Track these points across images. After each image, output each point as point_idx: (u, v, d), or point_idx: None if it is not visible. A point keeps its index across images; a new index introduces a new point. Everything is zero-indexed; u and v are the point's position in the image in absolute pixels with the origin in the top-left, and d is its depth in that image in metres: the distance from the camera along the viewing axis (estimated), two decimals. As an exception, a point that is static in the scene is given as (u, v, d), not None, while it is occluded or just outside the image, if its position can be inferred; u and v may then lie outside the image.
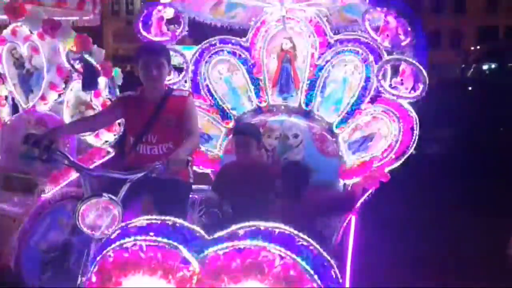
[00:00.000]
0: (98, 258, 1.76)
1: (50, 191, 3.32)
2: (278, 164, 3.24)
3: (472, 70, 14.51)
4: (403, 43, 2.72)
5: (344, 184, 3.16)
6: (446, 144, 8.10)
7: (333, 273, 1.73)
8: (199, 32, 3.79)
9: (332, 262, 1.75)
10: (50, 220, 3.34)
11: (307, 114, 3.30)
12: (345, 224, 2.76)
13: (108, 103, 3.39)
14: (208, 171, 3.40)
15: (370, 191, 2.80)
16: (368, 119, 3.11)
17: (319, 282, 1.62)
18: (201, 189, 3.18)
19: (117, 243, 1.75)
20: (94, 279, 1.75)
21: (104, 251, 1.75)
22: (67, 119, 3.58)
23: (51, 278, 3.36)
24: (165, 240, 1.71)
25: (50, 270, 3.35)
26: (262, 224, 1.74)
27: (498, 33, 29.45)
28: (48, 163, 2.23)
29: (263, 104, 3.40)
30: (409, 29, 2.61)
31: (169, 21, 3.10)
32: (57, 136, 2.32)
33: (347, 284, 2.64)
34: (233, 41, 3.39)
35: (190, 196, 2.91)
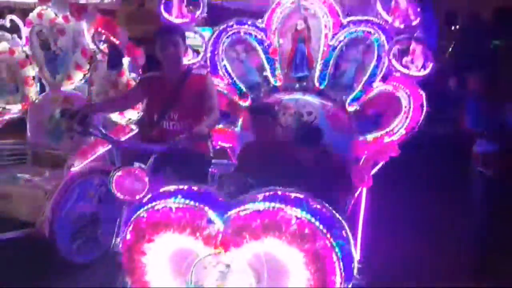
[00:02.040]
0: (132, 219, 1.96)
1: (78, 166, 3.51)
2: (293, 140, 3.39)
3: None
4: (413, 23, 2.82)
5: (356, 159, 3.30)
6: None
7: (344, 233, 1.91)
8: (212, 13, 3.90)
9: (344, 223, 1.93)
10: (79, 192, 3.55)
11: (320, 92, 3.43)
12: (356, 195, 2.92)
13: (132, 82, 3.57)
14: (226, 145, 3.56)
15: (381, 164, 2.94)
16: (379, 97, 3.23)
17: (331, 239, 1.80)
18: (220, 163, 3.36)
19: (149, 205, 1.95)
20: (129, 236, 1.96)
21: (138, 212, 1.96)
22: (92, 98, 3.77)
23: (80, 246, 3.59)
24: (192, 202, 1.90)
25: (79, 239, 3.58)
26: (279, 189, 1.92)
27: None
28: (83, 135, 2.40)
29: (279, 83, 3.53)
30: (419, 9, 2.71)
31: (190, 3, 3.23)
32: (90, 112, 2.50)
33: (357, 256, 2.80)
34: (249, 22, 3.50)
35: (210, 169, 3.10)
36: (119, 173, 2.18)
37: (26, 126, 4.13)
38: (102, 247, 3.65)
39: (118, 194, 2.18)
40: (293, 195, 1.89)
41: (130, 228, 1.94)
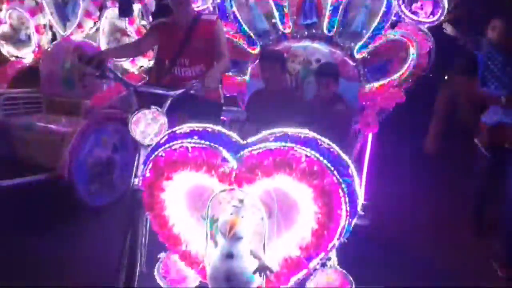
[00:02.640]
0: (151, 158, 2.08)
1: (93, 112, 3.61)
2: (301, 87, 3.47)
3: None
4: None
5: (363, 106, 3.38)
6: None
7: (350, 171, 2.02)
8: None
9: (350, 162, 2.04)
10: (95, 138, 3.69)
11: (329, 40, 3.45)
12: (362, 140, 3.02)
13: (142, 29, 3.59)
14: (235, 94, 3.64)
15: (388, 110, 3.02)
16: (388, 44, 3.25)
17: (338, 176, 1.90)
18: (230, 110, 3.44)
19: (167, 145, 2.05)
20: (148, 174, 2.08)
21: (156, 152, 2.07)
22: (103, 45, 3.81)
23: (97, 189, 3.78)
24: (207, 142, 2.00)
25: (96, 182, 3.76)
26: (289, 130, 2.02)
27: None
28: (101, 78, 2.48)
29: (287, 31, 3.54)
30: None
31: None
32: (106, 56, 2.57)
33: (362, 196, 2.95)
34: (259, -32, 3.48)
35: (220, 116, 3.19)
36: (138, 116, 2.28)
37: (40, 74, 4.21)
38: (117, 191, 3.84)
39: (137, 137, 2.29)
40: (303, 135, 1.99)
41: (150, 167, 2.05)
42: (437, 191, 4.12)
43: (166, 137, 2.13)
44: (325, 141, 2.00)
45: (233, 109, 3.51)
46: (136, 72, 3.82)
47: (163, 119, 2.29)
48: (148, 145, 2.29)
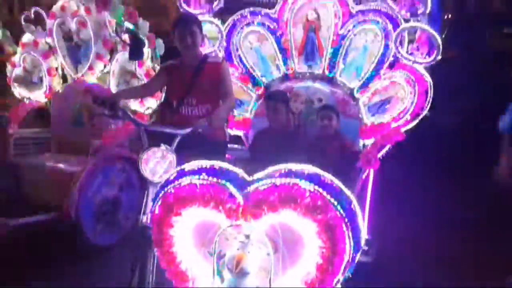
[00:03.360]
0: (160, 195, 2.15)
1: (101, 151, 3.70)
2: (304, 126, 3.57)
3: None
4: (419, 12, 2.96)
5: (364, 143, 3.46)
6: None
7: (353, 206, 2.08)
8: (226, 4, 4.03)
9: (352, 197, 2.10)
10: (102, 177, 3.74)
11: (330, 80, 3.58)
12: (363, 177, 3.08)
13: (151, 72, 3.74)
14: (240, 133, 3.74)
15: (387, 147, 3.10)
16: (386, 83, 3.36)
17: (341, 211, 1.97)
18: (235, 149, 3.54)
19: (176, 182, 2.13)
20: (158, 211, 2.14)
21: (166, 188, 2.13)
22: (113, 87, 3.94)
23: (103, 228, 3.81)
24: (215, 179, 2.07)
25: (102, 222, 3.79)
26: (294, 166, 2.10)
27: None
28: (114, 119, 2.59)
29: (290, 72, 3.68)
30: (425, -1, 2.85)
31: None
32: (118, 98, 2.69)
33: (365, 231, 2.98)
34: (262, 13, 3.66)
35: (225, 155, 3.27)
36: (148, 154, 2.37)
37: (50, 115, 4.34)
38: (121, 231, 3.87)
39: (146, 174, 2.36)
40: (306, 171, 2.06)
41: (159, 203, 2.12)
42: (441, 226, 4.13)
43: (175, 174, 2.20)
44: (328, 177, 2.07)
45: (237, 148, 3.60)
46: (144, 113, 3.94)
47: (172, 157, 2.38)
48: (157, 183, 2.36)
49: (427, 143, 5.07)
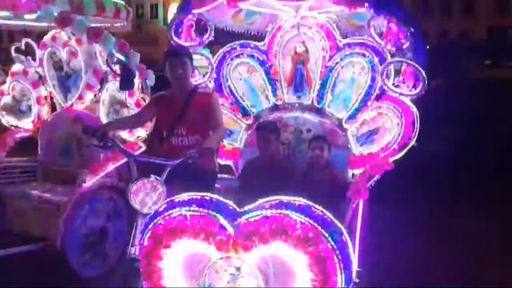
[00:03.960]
0: (150, 226, 2.13)
1: (89, 181, 3.66)
2: (293, 156, 3.60)
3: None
4: (404, 46, 3.06)
5: (353, 173, 3.49)
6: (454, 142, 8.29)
7: (343, 238, 2.09)
8: (217, 36, 4.13)
9: (343, 229, 2.11)
10: (89, 207, 3.68)
11: (319, 111, 3.62)
12: (353, 207, 3.09)
13: (141, 102, 3.76)
14: (230, 162, 3.75)
15: (375, 177, 3.13)
16: (374, 114, 3.43)
17: (332, 243, 1.97)
18: (224, 178, 3.55)
19: (165, 214, 2.12)
20: (147, 243, 2.12)
21: (155, 220, 2.13)
22: (102, 116, 3.94)
23: (90, 259, 3.72)
24: (205, 210, 2.07)
25: (88, 253, 3.70)
26: (284, 198, 2.11)
27: (507, 33, 29.37)
28: (104, 149, 2.59)
29: (279, 102, 3.73)
30: (409, 34, 2.95)
31: (197, 28, 3.46)
32: (108, 129, 2.70)
33: (356, 262, 2.97)
34: (251, 45, 3.74)
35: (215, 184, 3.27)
36: (137, 185, 2.36)
37: (38, 144, 4.29)
38: (109, 261, 3.79)
39: (135, 205, 2.35)
40: (297, 202, 2.08)
41: (148, 235, 2.11)
42: (433, 257, 4.14)
43: (165, 205, 2.20)
44: (318, 208, 2.09)
45: (227, 177, 3.61)
46: (133, 142, 3.93)
47: (162, 188, 2.37)
48: (147, 214, 2.35)
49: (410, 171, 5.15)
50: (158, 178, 2.38)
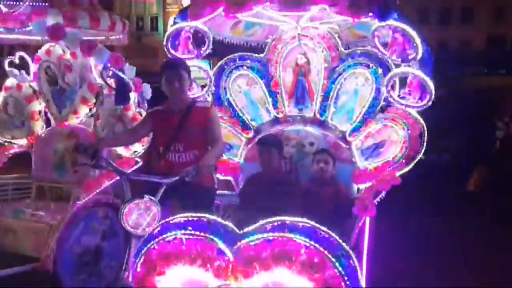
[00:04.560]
0: (143, 251, 2.00)
1: (84, 198, 3.52)
2: (295, 171, 3.47)
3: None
4: (410, 57, 2.94)
5: (358, 188, 3.36)
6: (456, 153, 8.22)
7: (351, 262, 1.95)
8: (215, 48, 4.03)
9: (351, 252, 1.97)
10: (84, 225, 3.54)
11: (321, 124, 3.51)
12: (360, 224, 2.95)
13: (138, 116, 3.64)
14: (230, 178, 3.61)
15: (382, 194, 3.00)
16: (379, 127, 3.31)
17: (340, 268, 1.83)
18: (224, 195, 3.42)
19: (160, 237, 1.99)
20: (140, 269, 1.98)
21: (149, 244, 1.99)
22: (98, 131, 3.82)
23: (84, 280, 3.57)
24: (202, 233, 1.94)
25: (83, 273, 3.55)
26: (288, 219, 1.97)
27: (506, 42, 29.41)
28: (95, 168, 2.46)
29: (280, 115, 3.62)
30: (415, 44, 2.84)
31: (195, 40, 3.36)
32: (102, 146, 2.57)
33: (363, 284, 2.82)
34: (251, 57, 3.65)
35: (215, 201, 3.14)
36: (130, 206, 2.22)
37: (31, 160, 4.16)
38: (105, 281, 3.64)
39: (128, 227, 2.21)
40: (301, 224, 1.94)
41: (141, 261, 1.97)
42: (445, 274, 3.98)
43: (159, 227, 2.07)
44: (324, 230, 1.95)
45: (227, 194, 3.48)
46: (130, 157, 3.81)
47: (156, 209, 2.24)
48: (140, 236, 2.22)
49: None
50: (152, 198, 2.24)
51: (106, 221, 3.70)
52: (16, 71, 4.16)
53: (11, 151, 4.23)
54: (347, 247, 1.96)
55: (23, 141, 4.24)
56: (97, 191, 3.64)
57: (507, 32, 29.53)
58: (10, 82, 4.17)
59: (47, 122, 4.27)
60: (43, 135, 4.18)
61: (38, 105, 4.20)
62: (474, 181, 6.43)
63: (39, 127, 4.23)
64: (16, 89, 4.18)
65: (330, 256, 1.85)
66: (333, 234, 1.93)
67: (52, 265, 3.33)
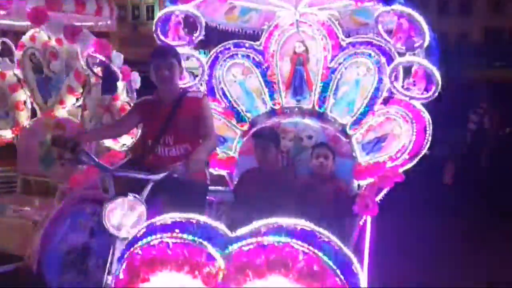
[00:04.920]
0: (126, 256, 1.82)
1: (70, 194, 3.37)
2: (292, 165, 3.31)
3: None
4: (416, 45, 2.76)
5: (358, 184, 3.20)
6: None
7: (354, 268, 1.78)
8: (208, 36, 3.85)
9: (353, 258, 1.80)
10: (70, 222, 3.34)
11: (320, 116, 3.35)
12: (361, 223, 2.80)
13: (126, 106, 3.47)
14: (224, 173, 3.45)
15: (384, 191, 2.84)
16: (381, 120, 3.16)
17: (341, 277, 1.66)
18: (218, 191, 3.25)
19: (144, 240, 1.81)
20: (122, 276, 1.81)
21: (132, 249, 1.81)
22: (85, 123, 3.66)
23: (71, 280, 3.41)
24: (190, 237, 1.76)
25: (70, 272, 3.37)
26: (284, 221, 1.80)
27: (503, 34, 29.23)
28: (74, 164, 2.29)
29: (277, 107, 3.46)
30: (422, 31, 2.65)
31: (186, 26, 3.18)
32: (83, 140, 2.40)
33: (365, 285, 2.67)
34: (247, 45, 3.48)
35: (207, 197, 2.98)
36: (113, 205, 2.05)
37: (16, 152, 4.01)
38: (92, 280, 3.48)
39: (111, 228, 2.04)
40: (299, 227, 1.77)
41: (124, 267, 1.80)
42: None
43: (144, 230, 1.89)
44: (324, 234, 1.78)
45: (221, 189, 3.32)
46: (119, 150, 3.65)
47: (142, 208, 2.06)
48: (125, 238, 2.05)
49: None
50: (137, 196, 2.06)
51: (94, 218, 3.51)
52: (-1, 58, 3.98)
53: (-5, 143, 4.06)
54: (349, 253, 1.79)
55: (8, 133, 4.07)
56: (85, 185, 3.48)
57: (505, 25, 29.36)
58: (-8, 70, 3.99)
59: (33, 113, 4.11)
60: (28, 126, 4.03)
61: (23, 95, 4.04)
62: (447, 175, 6.51)
63: (24, 117, 4.07)
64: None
65: (330, 263, 1.68)
66: (335, 239, 1.76)
67: (36, 265, 3.17)
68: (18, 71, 4.00)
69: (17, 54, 3.96)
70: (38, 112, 4.03)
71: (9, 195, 3.87)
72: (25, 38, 3.89)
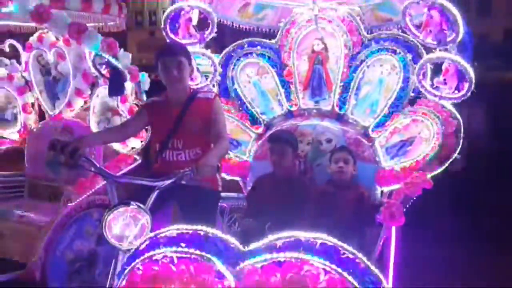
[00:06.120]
0: (126, 271, 1.66)
1: (76, 199, 3.24)
2: (311, 171, 3.11)
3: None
4: (448, 39, 2.55)
5: (382, 191, 2.99)
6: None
7: (382, 289, 1.57)
8: (222, 35, 3.71)
9: (381, 277, 1.59)
10: (76, 229, 3.26)
11: (340, 118, 3.21)
12: (385, 234, 2.58)
13: (135, 108, 3.34)
14: (237, 178, 3.28)
15: (412, 199, 2.62)
16: (407, 122, 2.96)
17: (368, 300, 1.46)
18: (230, 197, 3.10)
19: (146, 255, 1.65)
20: (121, 293, 1.64)
21: (133, 264, 1.65)
22: (93, 125, 3.54)
23: (76, 289, 3.29)
24: (197, 252, 1.60)
25: (75, 281, 3.27)
26: (302, 235, 1.60)
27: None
28: (74, 170, 2.14)
29: (294, 108, 3.33)
30: (456, 23, 2.44)
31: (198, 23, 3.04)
32: (84, 144, 2.25)
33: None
34: (262, 43, 3.36)
35: (219, 204, 2.81)
36: (114, 215, 1.88)
37: (24, 156, 3.89)
38: (100, 290, 3.36)
39: (112, 240, 1.87)
40: (319, 241, 1.57)
41: (124, 283, 1.63)
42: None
43: (147, 243, 1.72)
44: (348, 250, 1.57)
45: (233, 196, 3.15)
46: (127, 154, 3.51)
47: (145, 218, 1.89)
48: (127, 250, 1.87)
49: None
50: (141, 205, 1.89)
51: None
52: (6, 60, 3.91)
53: (3, 147, 3.95)
54: (376, 271, 1.58)
55: (15, 136, 3.99)
56: (92, 191, 3.33)
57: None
58: (0, 72, 3.91)
59: (41, 116, 4.01)
60: (36, 129, 3.93)
61: (31, 97, 3.96)
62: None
63: (32, 120, 3.99)
64: (7, 79, 3.92)
65: (355, 283, 1.48)
66: (361, 256, 1.55)
67: (40, 273, 3.05)
68: (26, 73, 3.91)
69: (25, 55, 3.87)
70: (46, 115, 3.94)
71: (16, 200, 3.75)
72: (32, 39, 3.81)
